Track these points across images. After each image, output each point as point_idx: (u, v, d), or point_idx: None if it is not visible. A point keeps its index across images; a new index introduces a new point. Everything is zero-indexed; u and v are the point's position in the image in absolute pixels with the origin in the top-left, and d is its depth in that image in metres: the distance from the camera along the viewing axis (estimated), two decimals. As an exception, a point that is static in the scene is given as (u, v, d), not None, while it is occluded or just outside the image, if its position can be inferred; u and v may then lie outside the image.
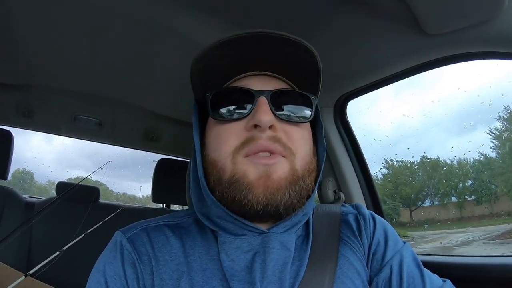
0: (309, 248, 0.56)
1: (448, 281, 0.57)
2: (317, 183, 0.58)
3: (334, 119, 1.30)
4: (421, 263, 0.58)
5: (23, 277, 0.93)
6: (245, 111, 0.52)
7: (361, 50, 0.98)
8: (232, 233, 0.53)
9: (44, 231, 1.56)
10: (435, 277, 0.57)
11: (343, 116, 1.30)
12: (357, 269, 0.55)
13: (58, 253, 1.06)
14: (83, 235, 1.20)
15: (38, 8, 0.93)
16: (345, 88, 1.18)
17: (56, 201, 1.50)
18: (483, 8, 0.69)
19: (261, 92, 0.52)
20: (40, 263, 1.02)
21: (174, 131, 1.78)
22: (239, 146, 0.51)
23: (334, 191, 1.29)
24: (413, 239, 2.76)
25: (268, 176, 0.49)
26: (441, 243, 2.65)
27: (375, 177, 1.33)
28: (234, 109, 0.53)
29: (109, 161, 1.79)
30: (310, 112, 0.57)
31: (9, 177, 1.56)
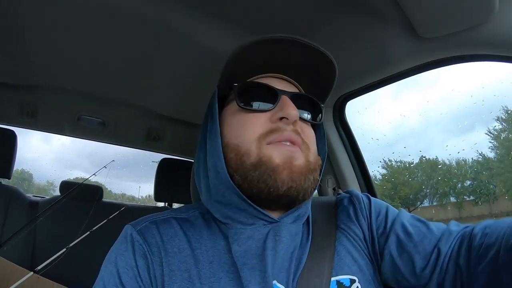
0: (310, 238, 0.59)
1: (453, 221, 0.61)
2: (319, 180, 0.62)
3: (333, 118, 1.32)
4: (421, 217, 0.62)
5: (31, 273, 0.94)
6: (270, 105, 0.57)
7: (359, 52, 1.00)
8: (241, 222, 0.56)
9: (48, 229, 1.58)
10: (438, 223, 0.61)
11: (342, 116, 1.32)
12: (353, 255, 0.59)
13: (65, 249, 1.08)
14: (88, 232, 1.21)
15: (42, 8, 0.93)
16: (344, 88, 1.21)
17: (61, 199, 1.51)
18: (475, 13, 0.71)
19: (284, 92, 0.58)
20: (44, 261, 1.03)
21: (176, 131, 1.78)
22: (264, 134, 0.55)
23: (334, 189, 1.33)
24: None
25: (292, 161, 0.53)
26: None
27: (373, 177, 1.35)
28: (261, 101, 0.58)
29: (113, 160, 1.81)
30: (320, 116, 0.64)
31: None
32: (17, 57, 1.21)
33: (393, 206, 0.69)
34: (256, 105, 0.58)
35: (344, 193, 0.71)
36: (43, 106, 1.56)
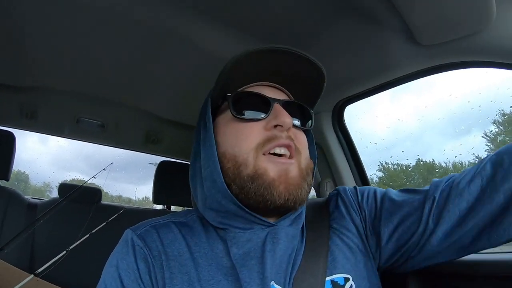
0: (304, 239, 0.61)
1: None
2: (312, 183, 0.63)
3: (332, 123, 1.34)
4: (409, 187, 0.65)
5: (32, 276, 0.94)
6: (263, 114, 0.59)
7: (358, 58, 1.01)
8: (239, 227, 0.57)
9: (47, 231, 1.57)
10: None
11: (341, 120, 1.34)
12: (347, 254, 0.60)
13: (64, 252, 1.07)
14: (88, 235, 1.21)
15: (42, 10, 0.93)
16: (343, 93, 1.22)
17: (61, 202, 1.51)
18: (473, 21, 0.73)
19: (275, 100, 0.60)
20: (44, 263, 1.03)
21: (175, 133, 1.79)
22: (261, 143, 0.56)
23: (332, 192, 1.33)
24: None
25: (287, 174, 0.55)
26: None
27: (371, 180, 1.36)
28: (255, 110, 0.59)
29: (112, 162, 1.80)
30: (310, 122, 0.65)
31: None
32: (16, 59, 1.21)
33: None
34: (250, 114, 0.59)
35: (332, 192, 0.73)
36: (42, 107, 1.55)
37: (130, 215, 1.65)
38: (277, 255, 0.55)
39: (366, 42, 0.94)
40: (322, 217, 0.66)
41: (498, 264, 0.75)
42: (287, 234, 0.58)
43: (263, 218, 0.57)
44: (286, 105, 0.60)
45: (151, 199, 1.86)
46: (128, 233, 0.59)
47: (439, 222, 0.57)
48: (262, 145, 0.56)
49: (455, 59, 0.86)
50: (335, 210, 0.68)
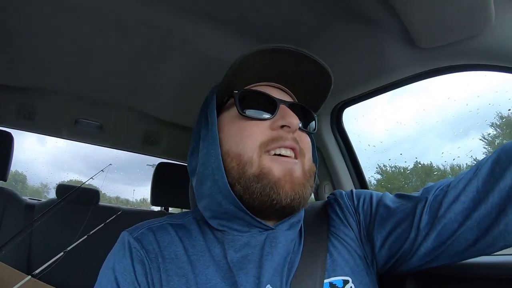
0: (302, 242, 0.61)
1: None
2: (314, 186, 0.63)
3: (331, 125, 1.34)
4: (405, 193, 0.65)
5: (29, 277, 0.94)
6: (269, 114, 0.58)
7: (357, 61, 1.01)
8: (237, 230, 0.57)
9: (45, 232, 1.56)
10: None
11: (340, 123, 1.34)
12: (345, 257, 0.60)
13: (62, 253, 1.07)
14: (85, 236, 1.21)
15: (40, 11, 0.93)
16: (341, 96, 1.22)
17: (59, 203, 1.50)
18: (472, 24, 0.73)
19: (282, 101, 0.60)
20: (41, 264, 1.02)
21: (173, 135, 1.79)
22: (265, 142, 0.56)
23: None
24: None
25: (292, 173, 0.55)
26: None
27: (369, 182, 1.37)
28: (261, 110, 0.59)
29: (110, 164, 1.80)
30: (314, 125, 0.65)
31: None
32: (15, 59, 1.20)
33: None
34: (256, 113, 0.59)
35: (330, 196, 0.73)
36: (40, 108, 1.55)
37: (128, 217, 1.65)
38: (275, 259, 0.55)
39: (365, 45, 0.94)
40: (320, 221, 0.66)
41: (496, 267, 0.75)
42: (286, 238, 0.58)
43: (263, 221, 0.57)
44: (291, 107, 0.60)
45: (149, 200, 1.86)
46: (124, 235, 0.58)
47: (432, 228, 0.56)
48: (266, 144, 0.56)
49: (453, 62, 0.87)
50: (333, 213, 0.68)
